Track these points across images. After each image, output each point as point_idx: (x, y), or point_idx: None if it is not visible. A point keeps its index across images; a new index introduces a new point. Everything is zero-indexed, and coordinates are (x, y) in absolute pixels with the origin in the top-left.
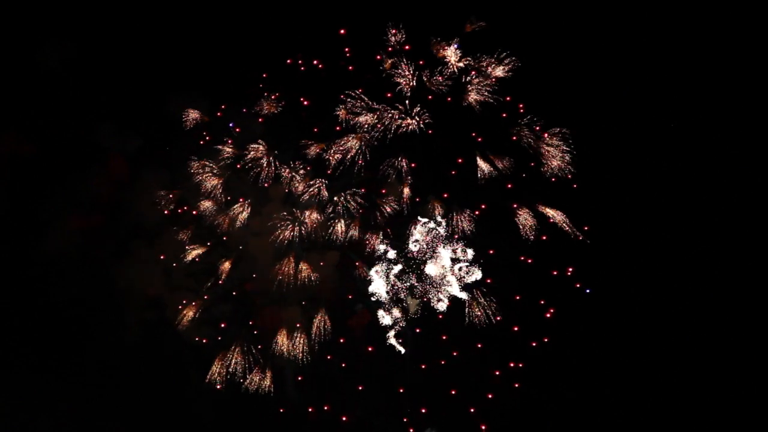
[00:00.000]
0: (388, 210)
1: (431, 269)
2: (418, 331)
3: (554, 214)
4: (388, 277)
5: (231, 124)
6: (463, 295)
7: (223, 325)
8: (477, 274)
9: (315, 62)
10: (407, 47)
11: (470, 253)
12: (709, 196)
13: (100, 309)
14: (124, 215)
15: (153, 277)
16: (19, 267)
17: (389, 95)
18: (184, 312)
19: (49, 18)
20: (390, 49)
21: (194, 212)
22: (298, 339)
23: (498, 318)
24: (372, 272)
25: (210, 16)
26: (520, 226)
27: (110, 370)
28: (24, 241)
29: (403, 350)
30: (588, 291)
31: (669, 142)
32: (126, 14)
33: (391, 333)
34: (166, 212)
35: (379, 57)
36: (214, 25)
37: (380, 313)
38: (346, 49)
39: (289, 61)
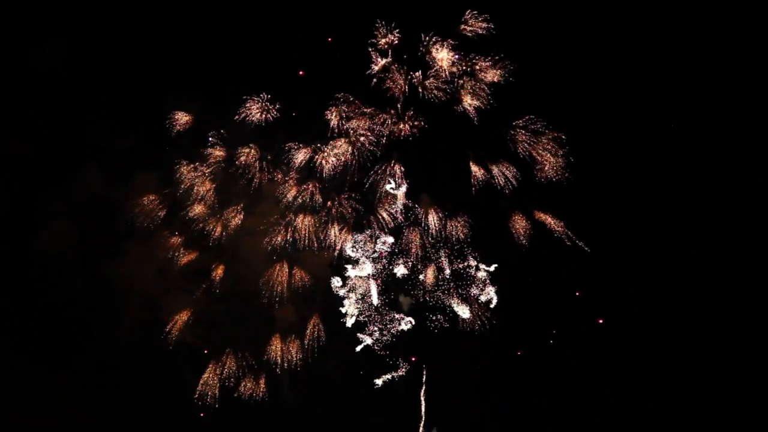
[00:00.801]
0: (383, 215)
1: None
2: (414, 359)
3: (549, 220)
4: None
5: (213, 134)
6: (465, 313)
7: (206, 351)
8: (490, 295)
9: (301, 73)
10: (404, 56)
11: (483, 271)
12: (708, 198)
13: (100, 309)
14: (119, 215)
15: (147, 278)
16: (19, 267)
17: (385, 106)
18: (176, 317)
19: (43, 18)
20: (381, 57)
21: (186, 216)
22: (291, 343)
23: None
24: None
25: (204, 17)
26: (515, 233)
27: (110, 370)
28: (22, 241)
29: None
30: (601, 321)
31: (666, 144)
32: (120, 14)
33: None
34: (157, 215)
35: (374, 65)
36: (208, 26)
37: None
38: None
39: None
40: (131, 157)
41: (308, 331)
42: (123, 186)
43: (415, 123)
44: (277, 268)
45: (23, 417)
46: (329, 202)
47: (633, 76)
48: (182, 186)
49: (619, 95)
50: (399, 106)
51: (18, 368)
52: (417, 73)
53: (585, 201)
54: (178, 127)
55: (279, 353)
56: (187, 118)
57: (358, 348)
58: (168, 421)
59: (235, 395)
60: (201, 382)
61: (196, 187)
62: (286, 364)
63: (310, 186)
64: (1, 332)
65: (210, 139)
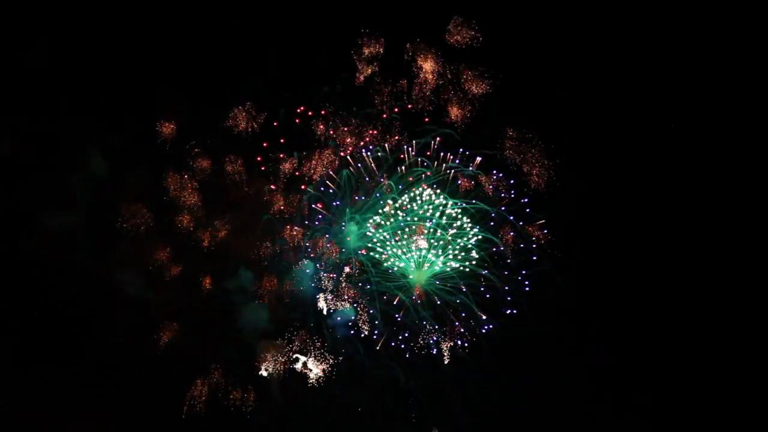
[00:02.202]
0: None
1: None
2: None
3: (537, 231)
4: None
5: (193, 144)
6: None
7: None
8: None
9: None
10: (390, 65)
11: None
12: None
13: (99, 309)
14: (115, 216)
15: (139, 280)
16: (19, 267)
17: (372, 116)
18: (168, 322)
19: (33, 18)
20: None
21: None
22: (279, 357)
23: None
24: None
25: (194, 24)
26: (503, 247)
27: (109, 370)
28: (21, 241)
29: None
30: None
31: (659, 149)
32: (111, 14)
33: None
34: (147, 221)
35: (360, 75)
36: (198, 34)
37: None
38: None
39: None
40: (127, 159)
41: (297, 340)
42: (119, 187)
43: (401, 133)
44: (266, 278)
45: (23, 417)
46: (318, 214)
47: (624, 80)
48: (170, 194)
49: (609, 100)
50: (385, 116)
51: (18, 368)
52: (403, 82)
53: (578, 208)
54: (164, 136)
55: (267, 362)
56: (172, 127)
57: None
58: (167, 421)
59: (225, 404)
60: (190, 391)
61: (183, 198)
62: (275, 374)
63: (297, 197)
64: (1, 332)
65: (195, 149)
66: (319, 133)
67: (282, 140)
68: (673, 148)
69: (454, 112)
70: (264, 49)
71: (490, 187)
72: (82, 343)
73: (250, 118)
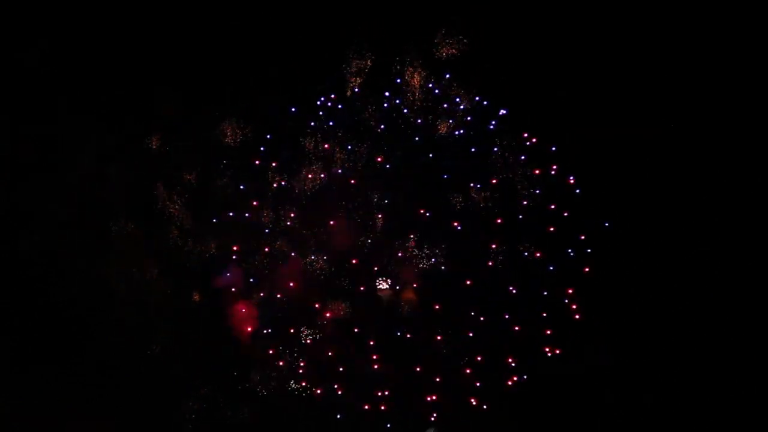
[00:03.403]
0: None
1: None
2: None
3: (531, 248)
4: None
5: (182, 151)
6: None
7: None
8: None
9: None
10: (379, 79)
11: None
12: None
13: (99, 309)
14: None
15: (135, 281)
16: (19, 267)
17: (361, 131)
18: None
19: (33, 18)
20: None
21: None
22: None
23: None
24: None
25: (183, 34)
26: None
27: (110, 370)
28: (21, 241)
29: None
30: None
31: (658, 151)
32: (111, 14)
33: None
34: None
35: (348, 89)
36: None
37: None
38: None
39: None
40: (126, 159)
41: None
42: (117, 187)
43: (391, 149)
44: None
45: (23, 417)
46: (306, 232)
47: (624, 80)
48: (159, 205)
49: (608, 101)
50: (374, 131)
51: (18, 368)
52: (393, 99)
53: (577, 208)
54: (154, 148)
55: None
56: (157, 137)
57: None
58: (167, 421)
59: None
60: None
61: (171, 211)
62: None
63: (286, 212)
64: (1, 332)
65: (185, 161)
66: (308, 147)
67: (273, 151)
68: (672, 148)
69: (444, 125)
70: (264, 49)
71: (480, 196)
72: (82, 343)
73: (238, 129)
